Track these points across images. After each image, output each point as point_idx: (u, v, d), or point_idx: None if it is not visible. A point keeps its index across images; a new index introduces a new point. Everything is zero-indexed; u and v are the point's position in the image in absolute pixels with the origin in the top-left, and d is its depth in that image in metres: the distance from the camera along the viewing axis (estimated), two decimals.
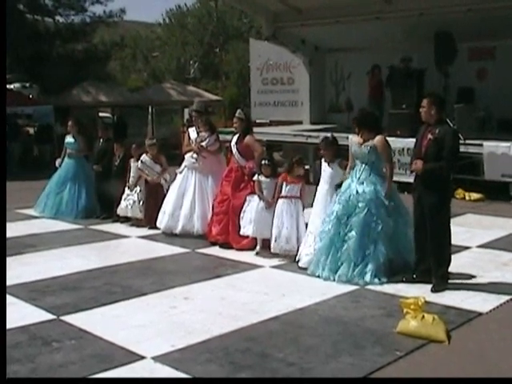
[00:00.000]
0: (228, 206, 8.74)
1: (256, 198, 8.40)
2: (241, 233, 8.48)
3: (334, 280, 7.05)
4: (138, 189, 10.26)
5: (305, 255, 7.65)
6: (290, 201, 8.08)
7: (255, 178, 8.44)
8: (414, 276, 6.99)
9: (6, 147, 18.96)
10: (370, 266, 7.01)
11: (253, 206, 8.37)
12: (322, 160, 7.94)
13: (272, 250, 8.13)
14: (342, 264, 7.09)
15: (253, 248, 8.46)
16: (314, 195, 7.91)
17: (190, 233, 9.30)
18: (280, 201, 8.11)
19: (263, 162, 8.44)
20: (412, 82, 14.35)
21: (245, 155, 8.79)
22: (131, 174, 10.35)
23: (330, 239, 7.18)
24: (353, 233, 7.06)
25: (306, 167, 13.07)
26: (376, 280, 6.95)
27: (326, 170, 7.79)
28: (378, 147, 7.13)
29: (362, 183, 7.15)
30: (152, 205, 9.95)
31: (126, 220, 10.46)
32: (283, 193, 8.11)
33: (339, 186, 7.44)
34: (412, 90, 14.09)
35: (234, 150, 8.87)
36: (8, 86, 24.88)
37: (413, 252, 7.09)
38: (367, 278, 6.97)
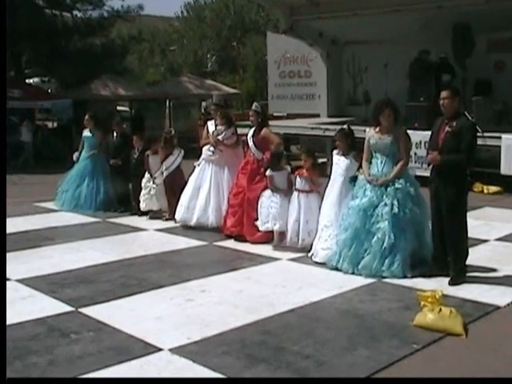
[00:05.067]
0: (243, 199, 8.75)
1: (268, 193, 8.38)
2: (262, 228, 8.40)
3: (354, 273, 7.00)
4: (155, 182, 10.28)
5: (321, 249, 7.56)
6: (302, 194, 8.07)
7: (267, 173, 8.41)
8: (432, 269, 6.96)
9: (28, 141, 19.33)
10: (398, 257, 6.91)
11: (273, 200, 8.31)
12: (334, 152, 7.87)
13: (287, 244, 8.14)
14: (367, 255, 6.99)
15: (266, 241, 8.45)
16: (325, 189, 7.86)
17: (205, 225, 9.33)
18: (295, 193, 8.13)
19: (278, 153, 8.45)
20: (430, 74, 14.28)
21: (261, 148, 8.78)
22: (150, 167, 10.38)
23: (354, 231, 7.08)
24: (381, 224, 6.96)
25: (323, 160, 13.02)
26: (401, 273, 6.87)
27: (339, 162, 7.71)
28: (401, 139, 7.11)
29: (386, 175, 7.10)
30: (173, 197, 9.94)
31: (143, 213, 10.51)
32: (297, 186, 8.13)
33: (354, 179, 7.39)
34: (430, 82, 14.01)
35: (251, 142, 8.87)
36: (27, 81, 25.11)
37: (431, 245, 7.05)
38: (393, 268, 6.87)
